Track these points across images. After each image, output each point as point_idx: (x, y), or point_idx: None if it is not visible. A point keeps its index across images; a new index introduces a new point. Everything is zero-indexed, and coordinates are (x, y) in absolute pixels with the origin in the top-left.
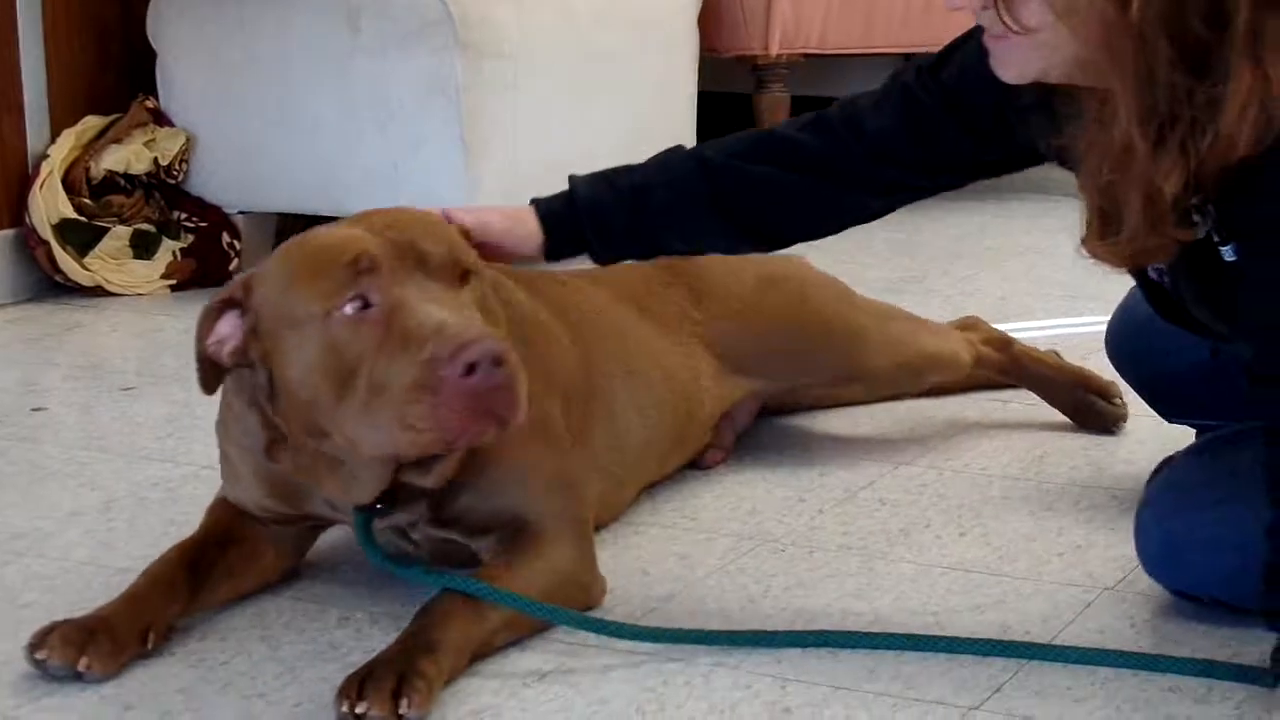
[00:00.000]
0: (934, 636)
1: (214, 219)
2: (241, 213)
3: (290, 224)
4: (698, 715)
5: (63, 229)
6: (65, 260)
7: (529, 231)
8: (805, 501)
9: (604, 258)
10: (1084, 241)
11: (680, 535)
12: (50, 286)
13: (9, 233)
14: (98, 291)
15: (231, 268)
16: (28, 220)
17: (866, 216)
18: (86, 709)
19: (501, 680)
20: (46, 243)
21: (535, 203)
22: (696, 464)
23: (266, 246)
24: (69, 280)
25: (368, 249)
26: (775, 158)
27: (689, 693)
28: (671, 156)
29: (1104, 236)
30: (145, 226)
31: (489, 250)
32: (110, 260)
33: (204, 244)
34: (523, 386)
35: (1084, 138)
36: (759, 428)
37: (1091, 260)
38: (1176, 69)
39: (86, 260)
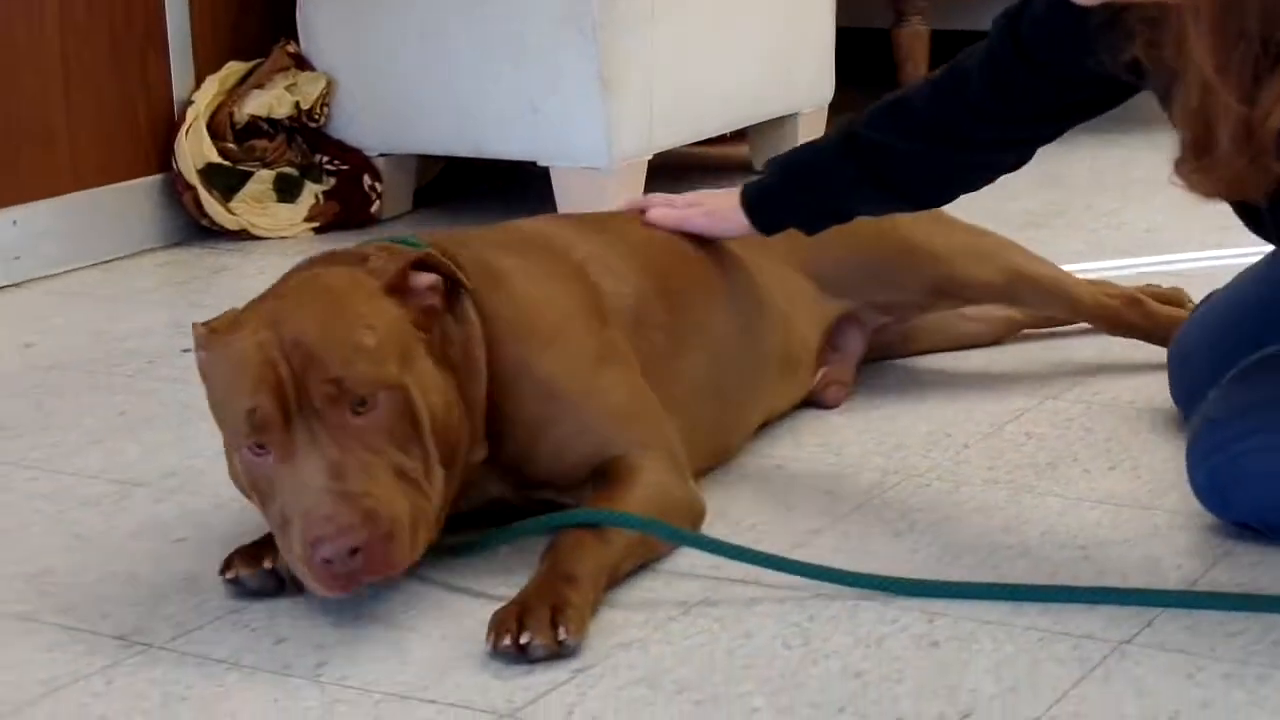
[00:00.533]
0: (1073, 588)
1: (355, 162)
2: (382, 155)
3: (430, 165)
4: (843, 649)
5: (208, 174)
6: (211, 205)
7: (734, 225)
8: (950, 436)
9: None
10: (1176, 167)
11: (824, 470)
12: (197, 231)
13: (156, 178)
14: (243, 235)
15: (373, 209)
16: (174, 166)
17: (1006, 168)
18: (239, 641)
19: (647, 613)
20: (193, 188)
21: (745, 189)
22: (819, 403)
23: (407, 188)
24: (215, 224)
25: (259, 405)
26: (910, 133)
27: (834, 627)
28: (824, 141)
29: (1196, 164)
30: (288, 170)
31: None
32: (255, 204)
33: (346, 187)
34: (401, 539)
35: (1169, 58)
36: (899, 367)
37: (1184, 188)
38: None
39: (232, 204)
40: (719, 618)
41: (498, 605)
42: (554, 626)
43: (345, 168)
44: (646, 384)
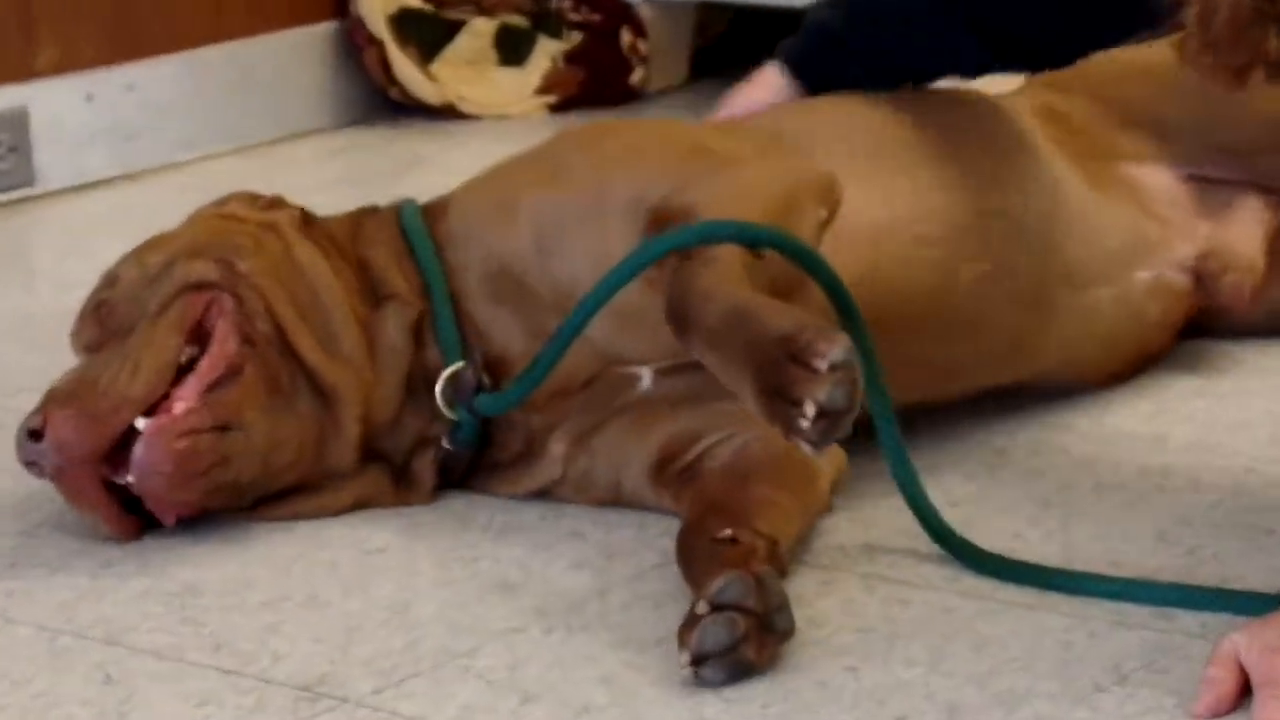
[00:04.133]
0: None
1: (610, 9)
2: (648, 0)
3: (714, 17)
4: None
5: (402, 22)
6: (404, 67)
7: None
8: None
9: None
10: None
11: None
12: (383, 104)
13: (328, 27)
14: (448, 113)
15: (634, 79)
16: (353, 10)
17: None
18: (472, 696)
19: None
20: (379, 42)
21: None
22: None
23: (682, 49)
24: (409, 96)
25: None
26: None
27: None
28: None
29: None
30: (515, 20)
31: None
32: (466, 68)
33: (595, 45)
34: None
35: None
36: None
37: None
38: None
39: (433, 67)
40: None
41: None
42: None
43: (596, 18)
44: None
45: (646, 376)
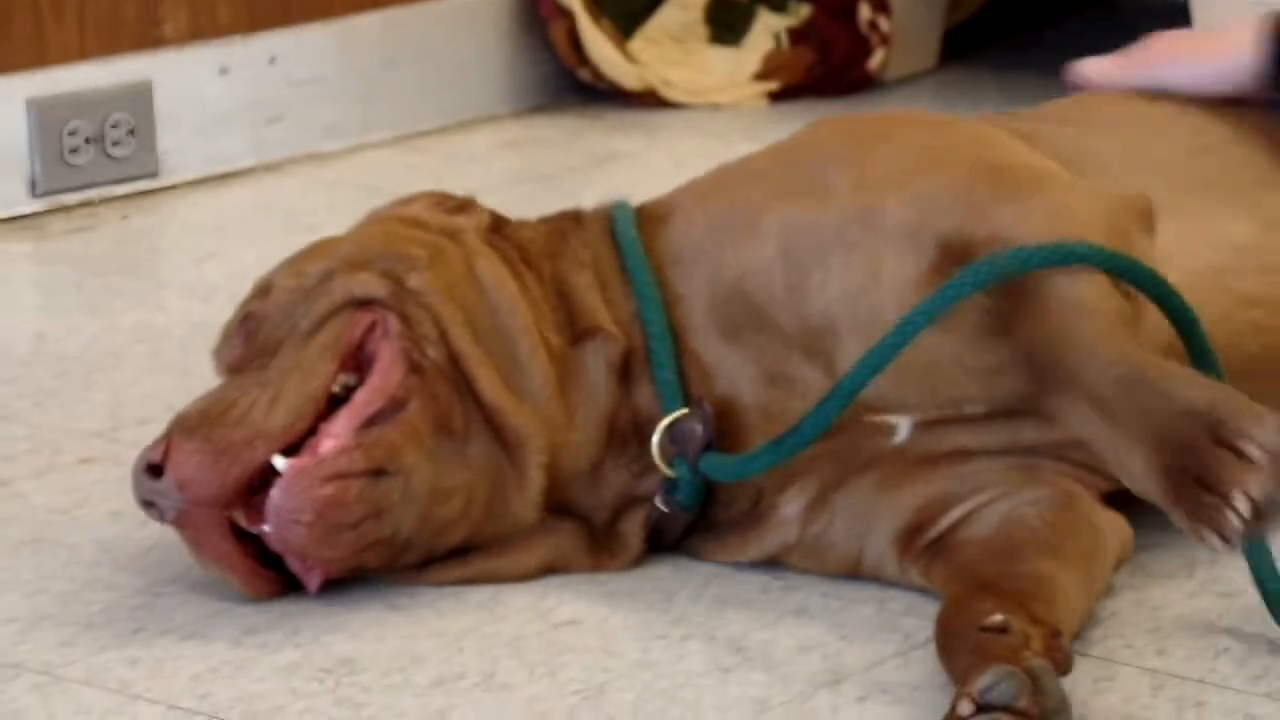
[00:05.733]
0: None
1: None
2: None
3: None
4: None
5: None
6: (598, 44)
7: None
8: None
9: None
10: None
11: None
12: (573, 88)
13: None
14: (648, 99)
15: (871, 64)
16: None
17: None
18: None
19: None
20: (568, 12)
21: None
22: None
23: (929, 29)
24: (602, 78)
25: None
26: None
27: None
28: None
29: None
30: None
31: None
32: (672, 46)
33: (827, 22)
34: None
35: None
36: None
37: None
38: None
39: (633, 44)
40: None
41: None
42: None
43: None
44: None
45: (904, 427)
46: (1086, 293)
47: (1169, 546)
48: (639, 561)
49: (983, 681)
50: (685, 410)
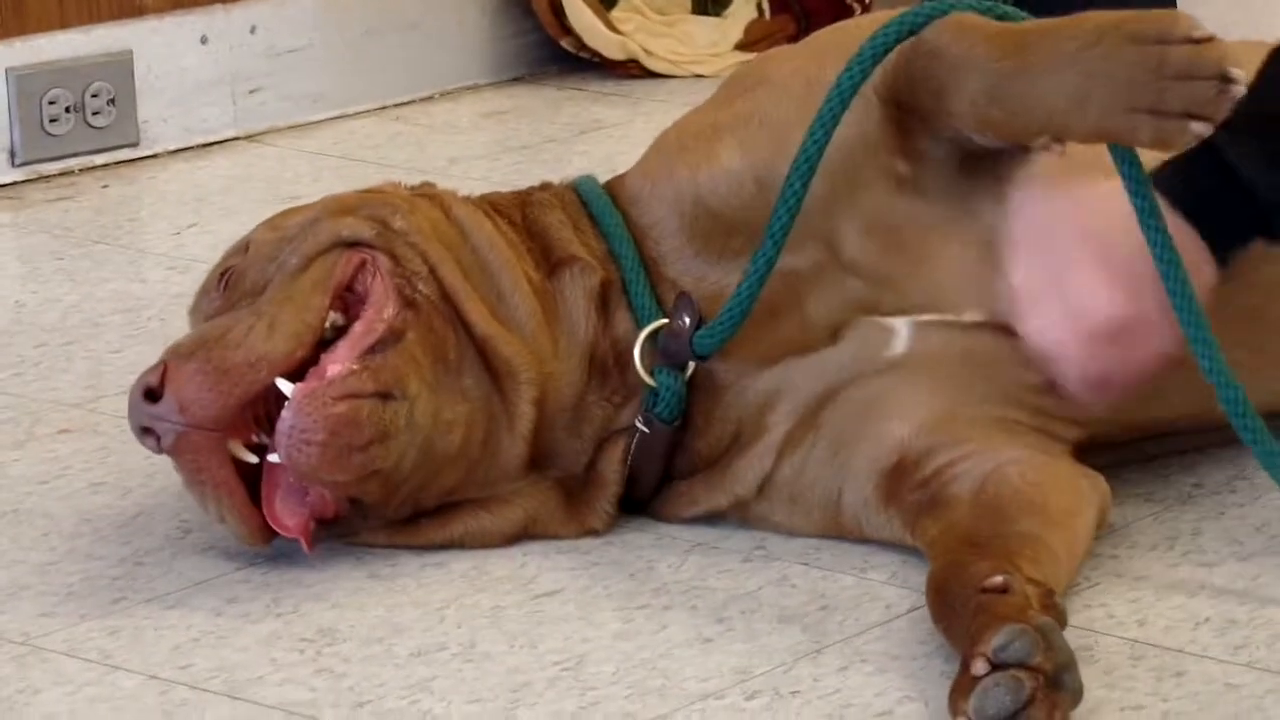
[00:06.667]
0: None
1: None
2: None
3: None
4: None
5: None
6: (581, 13)
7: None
8: None
9: None
10: None
11: None
12: (555, 58)
13: None
14: (631, 69)
15: None
16: None
17: None
18: None
19: None
20: None
21: None
22: None
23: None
24: (585, 48)
25: None
26: None
27: None
28: None
29: None
30: None
31: None
32: (655, 15)
33: None
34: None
35: None
36: None
37: None
38: None
39: (616, 13)
40: None
41: None
42: None
43: None
44: None
45: (904, 332)
46: (951, 19)
47: (1151, 516)
48: (616, 511)
49: (997, 641)
50: (664, 320)
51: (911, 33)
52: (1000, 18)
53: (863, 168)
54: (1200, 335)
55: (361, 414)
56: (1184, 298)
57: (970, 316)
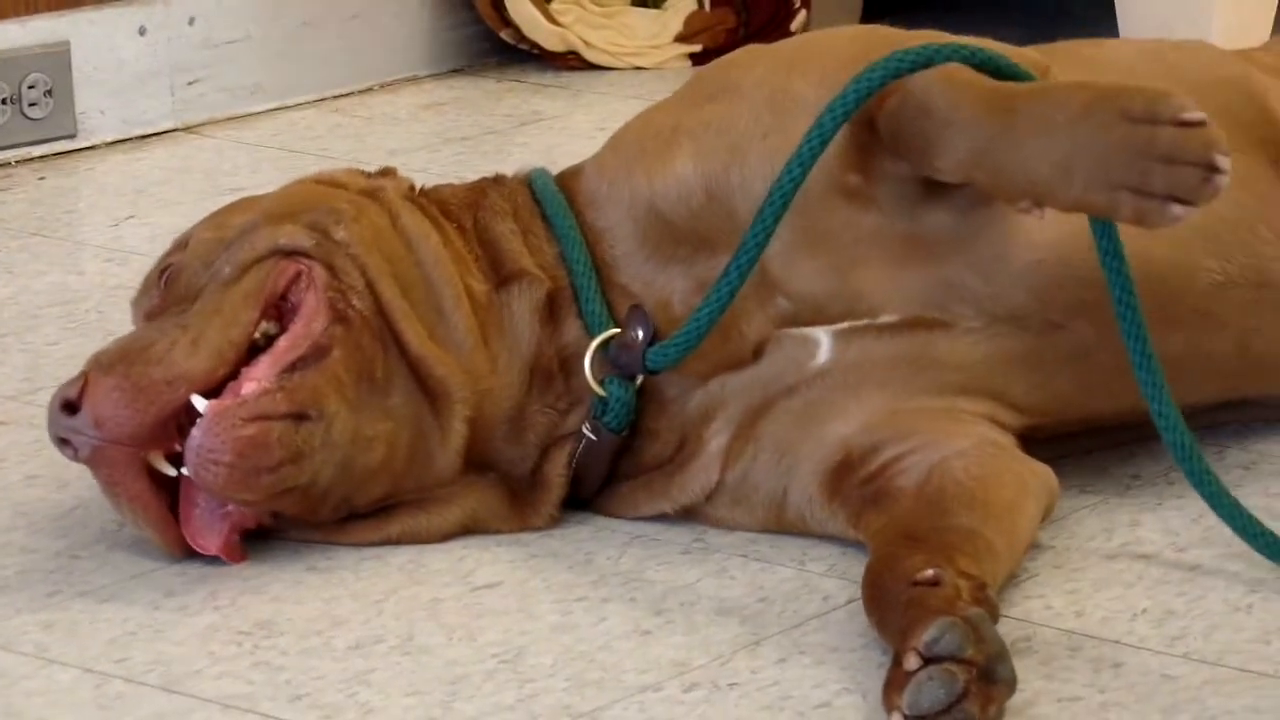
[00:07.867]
0: None
1: None
2: None
3: None
4: None
5: None
6: (520, 5)
7: None
8: None
9: None
10: None
11: None
12: (495, 49)
13: None
14: (570, 61)
15: (793, 27)
16: None
17: None
18: None
19: None
20: None
21: None
22: None
23: None
24: (524, 39)
25: None
26: None
27: None
28: None
29: None
30: None
31: None
32: (594, 7)
33: None
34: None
35: None
36: None
37: None
38: None
39: (555, 5)
40: None
41: None
42: None
43: None
44: None
45: (825, 342)
46: (941, 72)
47: (1088, 508)
48: (558, 519)
49: (928, 635)
50: (616, 330)
51: (898, 76)
52: (995, 72)
53: (810, 182)
54: (1153, 380)
55: (271, 436)
56: (1143, 355)
57: (887, 318)
